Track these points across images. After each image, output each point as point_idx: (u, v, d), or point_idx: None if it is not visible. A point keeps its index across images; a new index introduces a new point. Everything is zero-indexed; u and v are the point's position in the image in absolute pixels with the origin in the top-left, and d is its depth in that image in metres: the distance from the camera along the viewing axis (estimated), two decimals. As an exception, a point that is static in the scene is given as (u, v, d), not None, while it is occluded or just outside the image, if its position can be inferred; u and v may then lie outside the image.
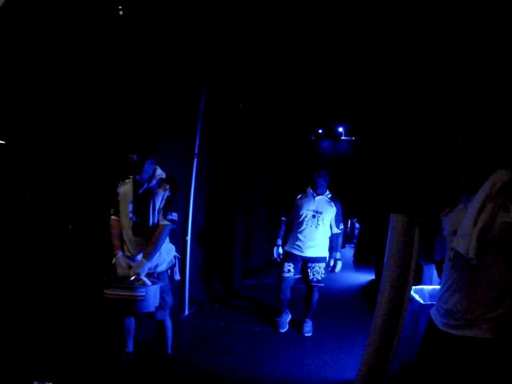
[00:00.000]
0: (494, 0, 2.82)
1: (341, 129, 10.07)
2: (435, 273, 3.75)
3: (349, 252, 9.90)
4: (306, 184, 4.20)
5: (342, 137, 10.25)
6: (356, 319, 4.38)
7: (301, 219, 4.07)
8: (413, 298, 3.08)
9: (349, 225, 11.21)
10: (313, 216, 4.03)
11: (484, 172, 1.67)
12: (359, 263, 8.75)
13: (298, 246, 4.08)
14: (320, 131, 10.13)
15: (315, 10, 4.27)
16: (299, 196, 4.22)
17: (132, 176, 2.90)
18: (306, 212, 4.04)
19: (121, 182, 2.94)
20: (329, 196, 4.14)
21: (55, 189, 2.88)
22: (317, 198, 4.07)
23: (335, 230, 4.11)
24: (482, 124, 1.76)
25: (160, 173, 2.93)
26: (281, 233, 4.31)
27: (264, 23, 4.50)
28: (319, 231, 4.03)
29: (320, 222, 4.02)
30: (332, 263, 4.13)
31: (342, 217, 4.16)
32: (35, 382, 2.58)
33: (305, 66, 5.67)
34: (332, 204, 4.09)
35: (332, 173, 4.18)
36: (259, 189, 7.31)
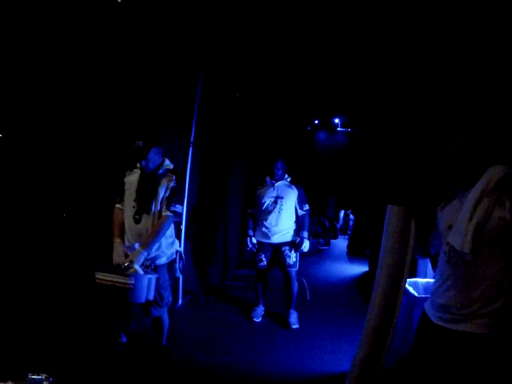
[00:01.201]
0: (492, 1, 2.80)
1: (337, 121, 10.06)
2: (429, 266, 3.77)
3: (343, 243, 9.95)
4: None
5: (338, 129, 10.25)
6: (355, 318, 4.34)
7: (263, 207, 4.12)
8: (407, 291, 3.09)
9: (342, 217, 11.25)
10: (275, 202, 4.08)
11: (481, 168, 1.67)
12: (353, 254, 8.80)
13: (265, 233, 4.12)
14: (316, 122, 10.11)
15: (312, 3, 4.23)
16: (259, 187, 4.26)
17: (139, 166, 2.88)
18: (268, 199, 4.10)
19: (128, 171, 2.93)
20: (288, 179, 4.19)
21: (54, 188, 2.85)
22: (276, 184, 4.14)
23: (300, 212, 4.13)
24: (482, 122, 1.77)
25: (168, 163, 2.94)
26: (251, 224, 4.32)
27: (261, 14, 4.46)
28: (282, 216, 4.06)
29: (283, 207, 4.06)
30: (298, 241, 4.09)
31: (305, 198, 4.18)
32: (30, 374, 2.57)
33: (303, 57, 5.64)
34: (293, 186, 4.14)
35: (326, 165, 4.17)
36: (254, 180, 7.29)
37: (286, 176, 4.20)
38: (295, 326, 4.06)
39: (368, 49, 5.04)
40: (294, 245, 4.09)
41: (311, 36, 5.02)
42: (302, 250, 4.07)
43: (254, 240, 4.22)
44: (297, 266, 4.14)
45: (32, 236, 2.71)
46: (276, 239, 4.09)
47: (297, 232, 4.14)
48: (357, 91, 6.83)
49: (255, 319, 4.20)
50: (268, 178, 4.20)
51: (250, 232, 4.27)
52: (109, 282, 2.55)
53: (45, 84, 2.72)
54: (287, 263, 4.06)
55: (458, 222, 1.67)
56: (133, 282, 2.53)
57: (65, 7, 2.71)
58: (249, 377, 3.09)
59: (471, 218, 1.61)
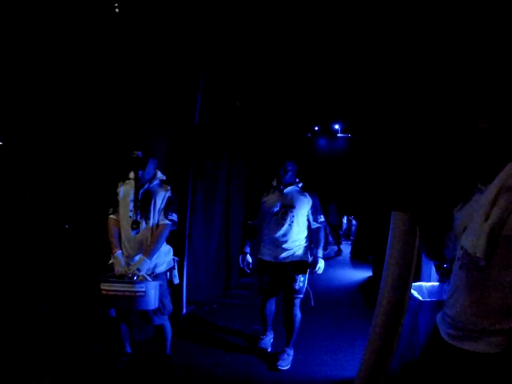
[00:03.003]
0: None
1: (337, 127, 10.11)
2: (434, 269, 3.75)
3: (346, 249, 9.93)
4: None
5: (338, 135, 10.30)
6: (356, 319, 4.38)
7: (270, 219, 3.39)
8: (411, 295, 3.05)
9: (345, 222, 11.22)
10: (285, 213, 3.33)
11: (505, 160, 1.45)
12: (356, 260, 8.78)
13: (271, 251, 3.40)
14: (316, 128, 10.16)
15: (312, 9, 4.27)
16: (265, 193, 3.51)
17: (132, 177, 2.92)
18: (276, 209, 3.36)
19: (121, 182, 2.97)
20: (300, 185, 3.46)
21: (54, 189, 2.88)
22: (286, 190, 3.39)
23: (314, 224, 3.43)
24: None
25: (160, 175, 2.99)
26: (248, 239, 3.62)
27: (260, 21, 4.50)
28: (293, 230, 3.34)
29: (294, 219, 3.33)
30: (311, 261, 3.41)
31: (320, 207, 3.48)
32: None
33: (302, 64, 5.68)
34: (306, 194, 3.41)
35: (327, 171, 3.91)
36: (256, 188, 7.30)
37: (297, 180, 3.49)
38: (283, 368, 3.28)
39: (367, 54, 5.07)
40: (305, 265, 3.38)
41: (310, 43, 5.06)
42: (316, 272, 3.35)
43: (250, 259, 3.53)
44: (303, 292, 3.36)
45: (32, 236, 2.73)
46: (284, 258, 3.34)
47: (309, 249, 3.48)
48: (356, 96, 6.86)
49: (263, 346, 3.57)
50: (274, 183, 3.49)
51: (247, 249, 3.55)
52: (118, 293, 2.58)
53: (45, 85, 2.75)
54: (293, 288, 3.31)
55: (473, 222, 1.48)
56: (143, 289, 2.58)
57: (65, 9, 2.76)
58: (250, 378, 3.09)
59: (487, 217, 1.41)
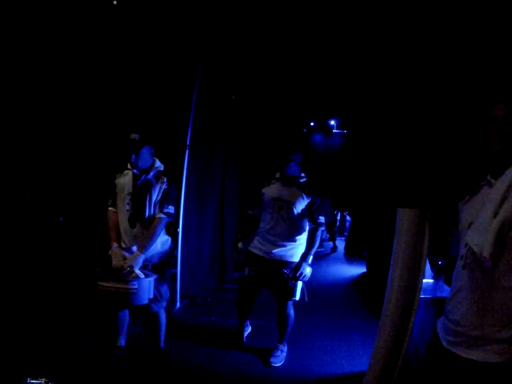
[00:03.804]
0: None
1: (333, 123, 10.11)
2: (428, 266, 3.76)
3: (340, 245, 9.99)
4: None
5: (334, 131, 10.31)
6: (353, 318, 4.42)
7: (266, 211, 3.25)
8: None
9: (339, 218, 11.28)
10: (280, 207, 3.16)
11: None
12: (350, 256, 8.84)
13: (262, 245, 3.25)
14: (312, 124, 10.15)
15: (308, 3, 4.25)
16: (265, 184, 3.39)
17: (130, 167, 2.88)
18: (273, 201, 3.20)
19: (119, 173, 2.93)
20: (302, 180, 3.27)
21: (54, 188, 2.86)
22: (286, 184, 3.24)
23: (310, 224, 3.21)
24: None
25: (158, 164, 2.94)
26: (246, 229, 3.55)
27: (256, 16, 4.48)
28: (289, 226, 3.17)
29: (289, 214, 3.15)
30: (293, 265, 3.15)
31: (323, 209, 3.25)
32: (29, 379, 2.56)
33: (298, 59, 5.66)
34: (306, 190, 3.20)
35: (323, 167, 3.77)
36: (251, 183, 7.30)
37: (302, 175, 3.30)
38: (275, 365, 3.24)
39: (363, 49, 5.05)
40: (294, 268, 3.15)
41: (306, 37, 5.03)
42: (300, 278, 3.12)
43: (240, 245, 3.37)
44: (295, 295, 3.17)
45: (32, 236, 2.72)
46: (276, 255, 3.18)
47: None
48: (353, 92, 6.83)
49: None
50: (277, 175, 3.33)
51: (241, 239, 3.44)
52: (112, 289, 2.58)
53: (44, 83, 2.73)
54: (288, 291, 3.15)
55: (480, 219, 1.37)
56: (136, 287, 2.58)
57: (64, 9, 2.73)
58: (249, 377, 3.09)
59: (495, 214, 1.29)
